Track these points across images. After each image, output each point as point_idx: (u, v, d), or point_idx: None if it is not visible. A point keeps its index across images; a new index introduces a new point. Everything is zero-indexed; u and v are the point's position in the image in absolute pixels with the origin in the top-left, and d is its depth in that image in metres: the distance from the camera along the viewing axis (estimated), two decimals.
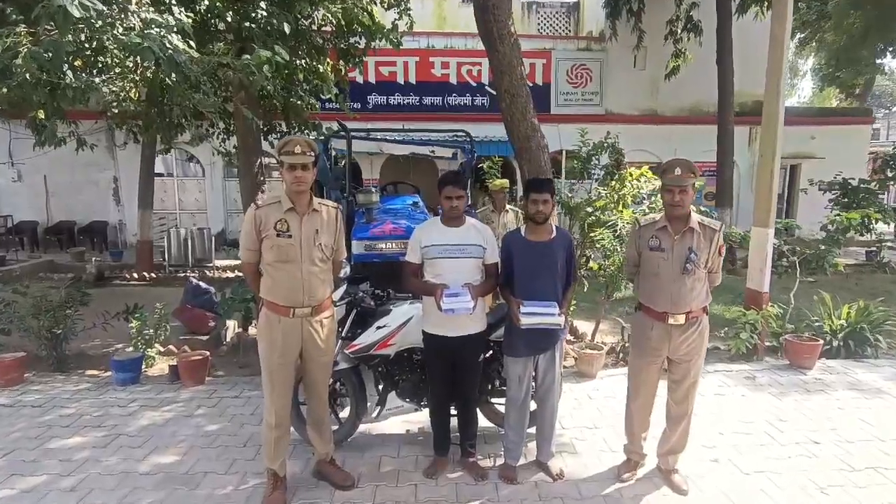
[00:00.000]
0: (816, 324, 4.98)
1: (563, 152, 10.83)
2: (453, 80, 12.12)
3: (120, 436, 3.38)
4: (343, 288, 3.07)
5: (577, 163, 5.32)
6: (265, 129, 6.67)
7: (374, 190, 4.41)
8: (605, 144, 5.32)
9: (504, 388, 3.02)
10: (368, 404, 3.15)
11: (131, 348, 4.71)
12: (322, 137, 5.94)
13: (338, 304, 3.01)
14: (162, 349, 4.94)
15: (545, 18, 13.42)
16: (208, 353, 4.50)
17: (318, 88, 5.91)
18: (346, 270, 3.64)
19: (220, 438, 3.35)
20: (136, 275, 9.68)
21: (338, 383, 3.18)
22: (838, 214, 5.68)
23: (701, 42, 10.73)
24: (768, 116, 4.79)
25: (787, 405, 3.71)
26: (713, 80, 10.14)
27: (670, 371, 2.72)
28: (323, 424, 2.80)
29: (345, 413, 3.23)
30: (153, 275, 9.66)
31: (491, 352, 3.09)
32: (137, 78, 3.99)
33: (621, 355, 4.71)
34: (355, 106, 11.26)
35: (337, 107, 7.82)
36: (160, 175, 12.91)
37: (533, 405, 2.93)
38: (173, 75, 3.73)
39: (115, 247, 12.11)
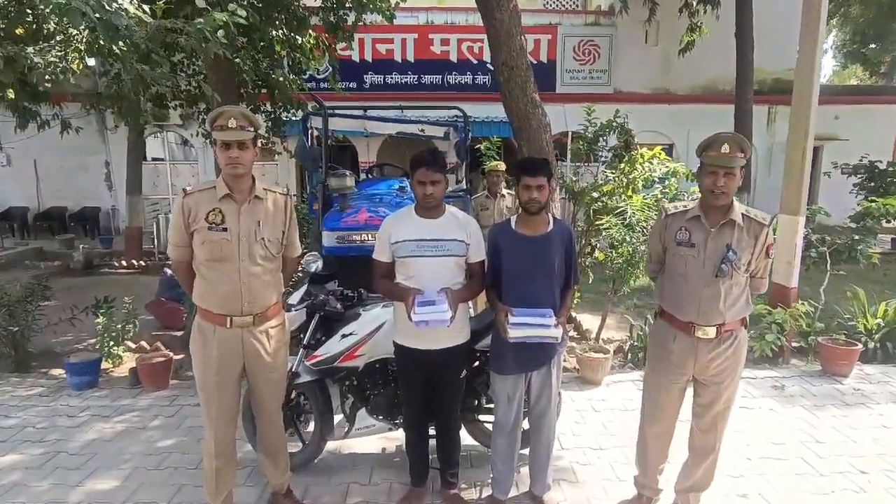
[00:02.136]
0: (849, 323, 4.47)
1: (569, 134, 10.19)
2: (453, 57, 11.46)
3: (59, 454, 3.00)
4: (303, 289, 2.62)
5: (583, 144, 4.81)
6: (249, 108, 6.19)
7: (347, 173, 3.92)
8: (614, 124, 4.82)
9: (493, 404, 2.56)
10: (336, 422, 2.72)
11: (100, 346, 4.33)
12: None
13: (296, 308, 2.57)
14: (133, 346, 4.57)
15: None
16: (172, 354, 4.09)
17: (299, 64, 5.39)
18: (318, 265, 3.19)
19: (172, 457, 2.95)
20: (124, 263, 9.36)
21: (301, 397, 2.75)
22: (873, 200, 5.16)
23: (718, 15, 10.02)
24: (800, 91, 4.26)
25: (824, 422, 3.22)
26: (731, 55, 9.46)
27: (696, 393, 2.22)
28: (278, 453, 2.37)
29: (310, 429, 2.80)
30: (142, 262, 9.34)
31: (477, 363, 2.64)
32: (83, 47, 3.50)
33: (629, 356, 4.26)
34: (351, 85, 10.74)
35: (329, 87, 7.31)
36: (160, 160, 12.52)
37: (526, 424, 2.48)
38: (120, 43, 3.26)
39: (109, 233, 11.76)
